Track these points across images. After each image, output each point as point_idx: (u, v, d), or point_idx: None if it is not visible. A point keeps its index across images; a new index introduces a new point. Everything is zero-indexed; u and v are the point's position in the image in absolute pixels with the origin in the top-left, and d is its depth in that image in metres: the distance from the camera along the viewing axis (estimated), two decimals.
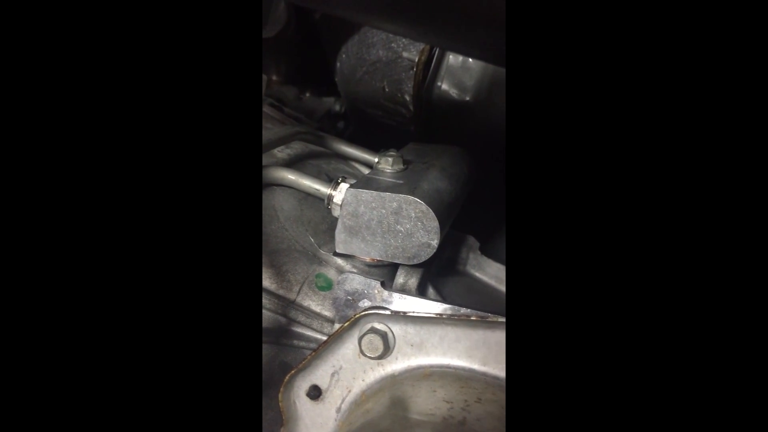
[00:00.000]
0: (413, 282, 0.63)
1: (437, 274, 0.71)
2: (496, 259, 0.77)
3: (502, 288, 0.76)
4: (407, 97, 0.89)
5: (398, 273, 0.63)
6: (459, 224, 0.73)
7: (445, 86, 0.90)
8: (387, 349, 0.50)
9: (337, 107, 1.20)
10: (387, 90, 0.91)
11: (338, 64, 0.99)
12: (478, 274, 0.78)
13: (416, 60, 0.86)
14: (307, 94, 1.23)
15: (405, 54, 0.87)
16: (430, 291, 0.66)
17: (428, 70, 0.89)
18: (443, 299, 0.66)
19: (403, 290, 0.61)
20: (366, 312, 0.50)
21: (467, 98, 0.89)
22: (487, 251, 0.78)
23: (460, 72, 0.88)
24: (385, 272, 0.65)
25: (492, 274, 0.77)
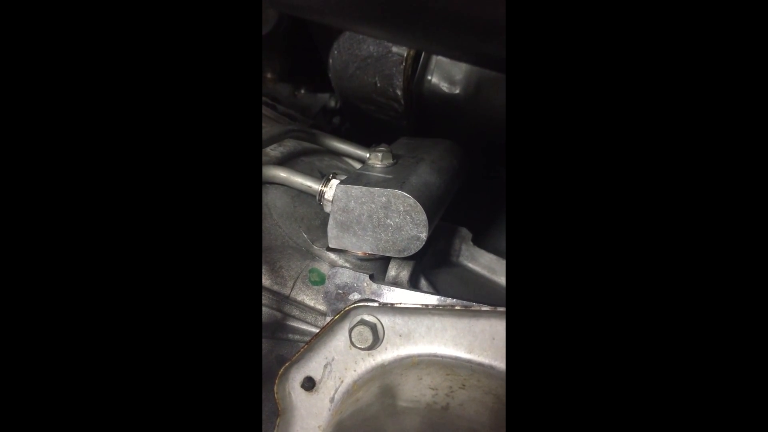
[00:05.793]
0: (405, 274, 0.64)
1: (430, 266, 0.72)
2: (489, 250, 0.78)
3: (495, 278, 0.77)
4: (398, 92, 0.90)
5: (390, 266, 0.64)
6: (451, 216, 0.74)
7: (435, 80, 0.90)
8: (376, 340, 0.52)
9: (332, 103, 1.21)
10: (378, 85, 0.92)
11: (330, 60, 1.00)
12: (471, 265, 0.79)
13: (405, 55, 0.87)
14: (302, 91, 1.24)
15: (395, 49, 0.88)
16: (423, 283, 0.67)
17: (418, 65, 0.90)
18: (436, 291, 0.67)
19: (395, 282, 0.62)
20: (355, 305, 0.52)
21: (457, 91, 0.90)
22: (480, 242, 0.79)
23: (449, 66, 0.88)
24: (378, 265, 0.66)
25: (485, 264, 0.78)
